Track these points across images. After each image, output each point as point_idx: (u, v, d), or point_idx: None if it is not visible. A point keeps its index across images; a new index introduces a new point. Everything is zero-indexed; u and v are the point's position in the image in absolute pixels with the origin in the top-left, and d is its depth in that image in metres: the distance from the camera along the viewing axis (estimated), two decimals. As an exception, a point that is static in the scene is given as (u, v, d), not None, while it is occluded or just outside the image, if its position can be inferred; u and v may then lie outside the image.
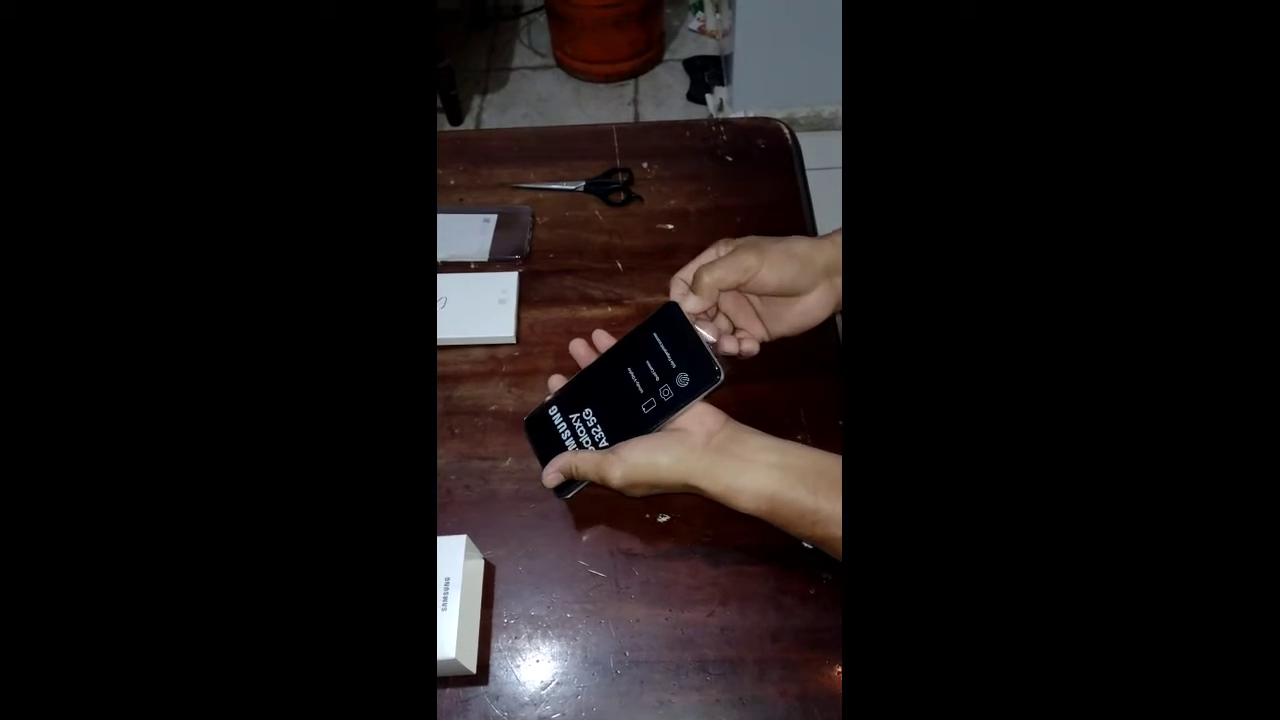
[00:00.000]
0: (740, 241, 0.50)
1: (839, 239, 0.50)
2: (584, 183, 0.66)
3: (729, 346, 0.49)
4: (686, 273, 0.50)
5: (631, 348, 0.47)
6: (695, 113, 1.71)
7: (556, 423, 0.48)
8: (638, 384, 0.46)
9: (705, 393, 0.44)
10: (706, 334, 0.46)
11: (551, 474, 0.46)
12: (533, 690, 0.42)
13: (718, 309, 0.51)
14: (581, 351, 0.50)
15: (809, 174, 0.68)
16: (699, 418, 0.44)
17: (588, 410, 0.47)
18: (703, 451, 0.42)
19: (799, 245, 0.49)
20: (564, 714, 0.42)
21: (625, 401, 0.46)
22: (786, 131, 0.70)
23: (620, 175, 0.67)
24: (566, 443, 0.47)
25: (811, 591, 0.45)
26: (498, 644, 0.44)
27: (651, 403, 0.45)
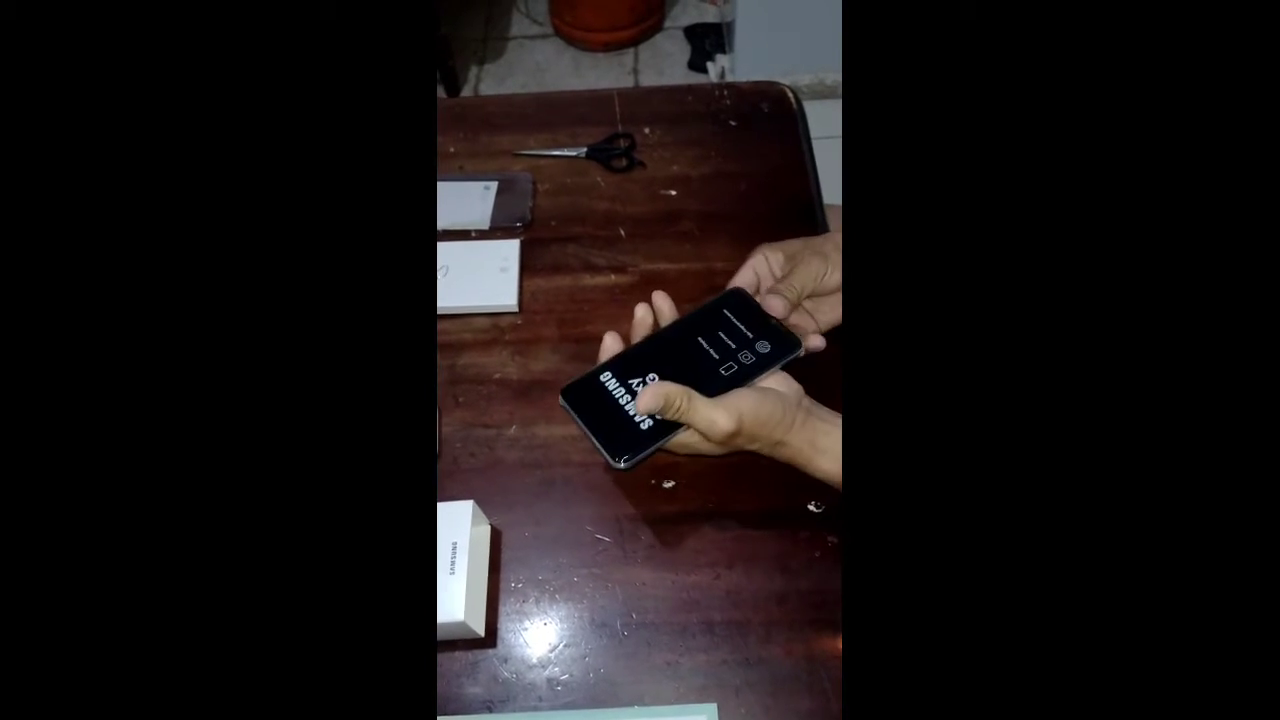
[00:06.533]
0: (787, 248, 0.50)
1: None
2: (586, 149, 0.65)
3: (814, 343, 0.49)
4: (742, 280, 0.49)
5: (698, 322, 0.47)
6: (696, 81, 1.68)
7: (611, 388, 0.45)
8: (712, 351, 0.46)
9: (786, 359, 0.46)
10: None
11: (649, 398, 0.41)
12: (541, 652, 0.43)
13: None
14: (640, 315, 0.48)
15: (813, 143, 0.67)
16: (785, 381, 0.45)
17: (651, 375, 0.45)
18: (797, 409, 0.43)
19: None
20: (572, 675, 0.42)
21: (700, 366, 0.45)
22: (790, 95, 0.69)
23: (622, 141, 0.66)
24: (625, 406, 0.44)
25: (817, 555, 0.45)
26: (505, 608, 0.44)
27: (732, 366, 0.45)
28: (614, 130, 0.67)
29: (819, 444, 0.43)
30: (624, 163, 0.64)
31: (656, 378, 0.45)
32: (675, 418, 0.42)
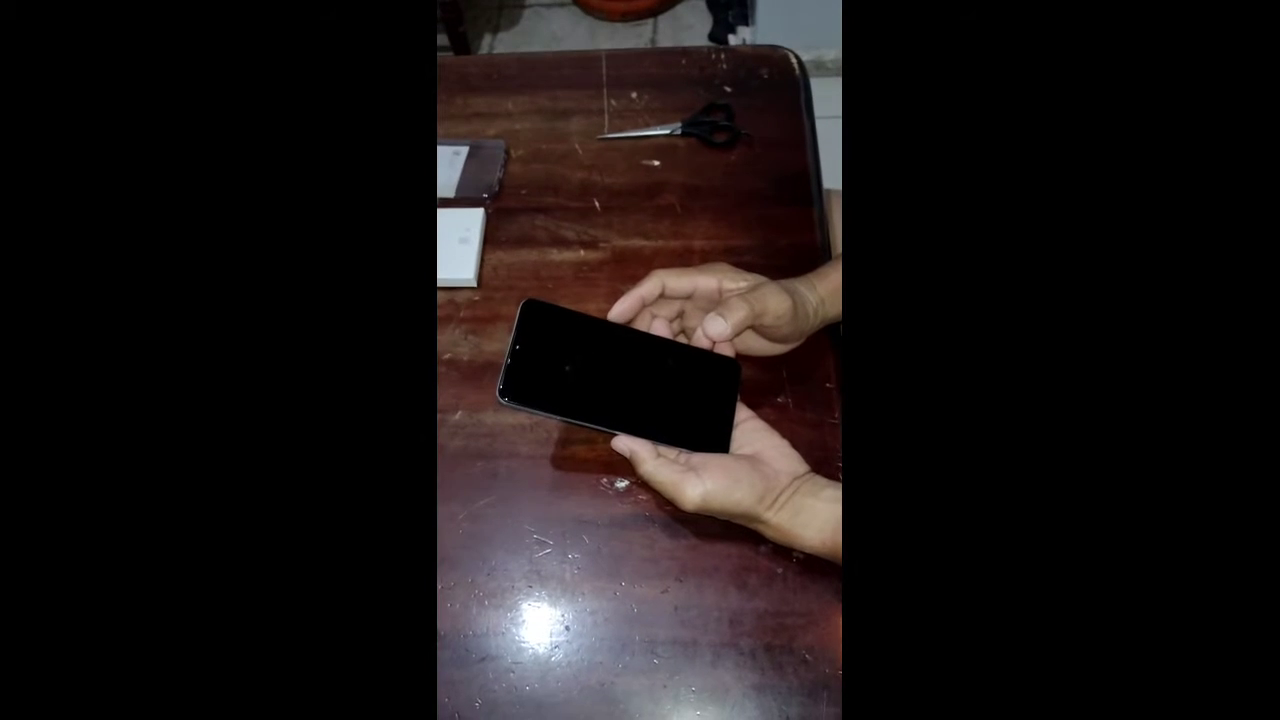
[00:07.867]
0: (747, 286, 0.42)
1: (830, 279, 0.44)
2: (680, 125, 0.58)
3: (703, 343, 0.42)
4: (676, 283, 0.42)
5: (671, 352, 0.41)
6: (716, 54, 1.60)
7: (570, 335, 0.38)
8: (681, 394, 0.40)
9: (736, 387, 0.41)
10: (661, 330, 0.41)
11: (616, 445, 0.38)
12: (466, 663, 0.39)
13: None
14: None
15: (830, 122, 0.61)
16: (786, 457, 0.39)
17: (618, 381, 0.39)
18: (784, 489, 0.38)
19: (805, 300, 0.42)
20: (494, 691, 0.38)
21: (670, 404, 0.40)
22: (795, 61, 0.63)
23: (718, 112, 0.59)
24: (562, 358, 0.38)
25: (779, 571, 0.40)
26: (432, 611, 0.40)
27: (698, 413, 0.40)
28: (599, 92, 0.61)
29: (800, 519, 0.37)
30: (725, 136, 0.57)
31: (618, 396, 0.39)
32: (640, 475, 0.38)
